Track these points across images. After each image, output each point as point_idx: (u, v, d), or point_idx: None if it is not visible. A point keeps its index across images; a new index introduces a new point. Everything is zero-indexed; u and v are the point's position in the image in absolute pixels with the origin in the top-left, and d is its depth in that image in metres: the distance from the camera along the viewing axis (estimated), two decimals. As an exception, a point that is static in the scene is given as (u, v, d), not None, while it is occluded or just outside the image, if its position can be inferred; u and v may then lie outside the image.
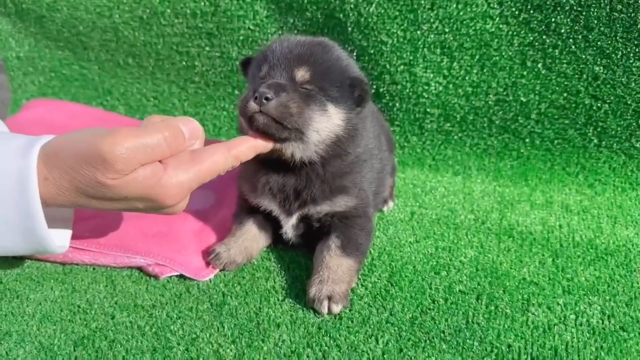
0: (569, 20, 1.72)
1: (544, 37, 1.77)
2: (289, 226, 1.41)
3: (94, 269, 1.41)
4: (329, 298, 1.23)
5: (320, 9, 1.93)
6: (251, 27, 2.05)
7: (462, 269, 1.39)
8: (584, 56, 1.76)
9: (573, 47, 1.76)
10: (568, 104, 1.84)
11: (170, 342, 1.15)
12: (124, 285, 1.35)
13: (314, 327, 1.19)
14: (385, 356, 1.10)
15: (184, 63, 2.19)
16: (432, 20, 1.83)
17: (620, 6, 1.66)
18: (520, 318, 1.20)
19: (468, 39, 1.84)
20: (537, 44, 1.80)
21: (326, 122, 1.26)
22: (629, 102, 1.78)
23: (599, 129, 1.84)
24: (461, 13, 1.81)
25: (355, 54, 1.95)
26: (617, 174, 1.85)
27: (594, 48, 1.74)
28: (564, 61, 1.79)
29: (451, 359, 1.09)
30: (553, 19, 1.74)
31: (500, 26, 1.80)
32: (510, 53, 1.83)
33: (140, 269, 1.41)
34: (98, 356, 1.12)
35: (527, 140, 1.92)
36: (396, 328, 1.18)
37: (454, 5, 1.80)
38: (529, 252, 1.47)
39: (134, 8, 2.11)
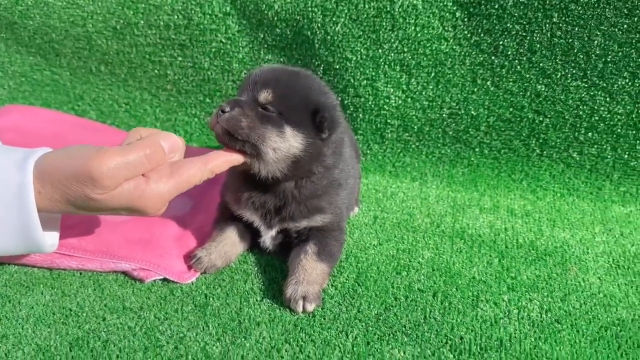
0: (514, 43, 1.90)
1: (492, 57, 1.95)
2: (268, 237, 1.53)
3: (81, 273, 1.49)
4: (304, 298, 1.35)
5: (289, 26, 2.06)
6: (223, 40, 2.15)
7: (420, 269, 1.54)
8: (527, 75, 1.95)
9: (518, 67, 1.95)
10: (513, 118, 2.02)
11: (160, 341, 1.26)
12: (112, 289, 1.44)
13: (291, 325, 1.32)
14: (354, 349, 1.25)
15: (156, 71, 2.27)
16: (392, 40, 1.99)
17: (559, 32, 1.86)
18: (470, 313, 1.37)
19: (425, 58, 2.00)
20: (486, 63, 1.98)
21: (282, 143, 1.36)
22: (566, 117, 1.98)
23: (540, 140, 2.03)
24: (419, 34, 1.97)
25: (321, 68, 2.08)
26: (557, 181, 2.05)
27: (537, 68, 1.93)
28: (510, 80, 1.97)
29: (412, 350, 1.25)
30: (501, 42, 1.92)
31: (454, 47, 1.97)
32: (462, 71, 2.00)
33: (125, 273, 1.50)
34: (93, 355, 1.22)
35: (476, 149, 2.10)
36: (363, 324, 1.32)
37: (413, 27, 1.96)
38: (478, 253, 1.63)
39: (107, 18, 2.18)
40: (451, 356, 1.24)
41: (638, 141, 1.94)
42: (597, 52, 1.86)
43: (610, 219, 1.88)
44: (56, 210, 1.21)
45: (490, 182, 2.08)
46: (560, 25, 1.85)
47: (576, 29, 1.84)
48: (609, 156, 1.99)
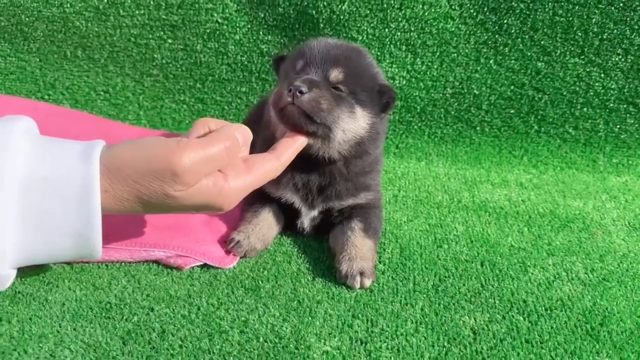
0: (518, 22, 1.97)
1: (496, 36, 2.00)
2: (308, 218, 1.48)
3: (107, 265, 1.36)
4: (361, 273, 1.31)
5: (292, 5, 2.00)
6: (219, 20, 2.05)
7: (458, 241, 1.55)
8: (529, 53, 2.02)
9: (520, 45, 2.01)
10: (514, 96, 2.09)
11: (222, 327, 1.17)
12: (148, 279, 1.32)
13: (353, 301, 1.28)
14: (426, 319, 1.22)
15: (141, 55, 2.14)
16: (399, 19, 1.99)
17: (561, 11, 1.94)
18: (523, 278, 1.39)
19: (431, 37, 2.02)
20: (490, 42, 2.02)
21: (353, 124, 1.34)
22: (564, 93, 2.07)
23: (539, 117, 2.11)
24: (426, 13, 1.98)
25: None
26: (555, 156, 2.14)
27: (538, 46, 2.01)
28: (512, 58, 2.03)
29: (482, 316, 1.24)
30: (505, 20, 1.98)
31: (460, 26, 2.00)
32: (466, 50, 2.04)
33: (157, 261, 1.39)
34: (153, 347, 1.11)
35: (478, 128, 2.15)
36: (424, 295, 1.31)
37: (420, 6, 1.97)
38: (506, 224, 1.67)
39: (89, -3, 2.03)
40: (521, 318, 1.25)
41: (628, 115, 2.07)
42: (595, 29, 1.96)
43: (611, 188, 1.99)
44: (120, 210, 1.07)
45: (493, 159, 2.13)
46: (562, 3, 1.93)
47: (576, 7, 1.92)
48: (601, 130, 2.10)
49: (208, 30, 2.08)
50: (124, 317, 1.19)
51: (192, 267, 1.37)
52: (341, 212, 1.48)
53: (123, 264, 1.37)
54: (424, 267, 1.42)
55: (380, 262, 1.44)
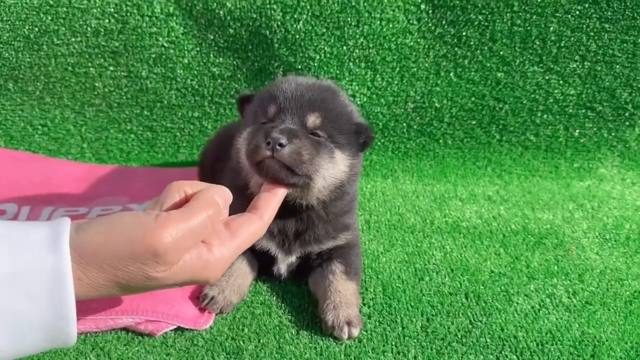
0: (477, 33, 1.94)
1: (455, 49, 1.97)
2: (285, 264, 1.41)
3: (70, 339, 1.24)
4: (348, 323, 1.25)
5: (244, 26, 1.88)
6: (165, 44, 1.91)
7: (439, 271, 1.51)
8: (488, 64, 2.00)
9: (480, 57, 1.99)
10: (475, 107, 2.07)
11: (208, 403, 1.09)
12: (119, 351, 1.21)
13: (342, 355, 1.22)
14: (421, 369, 1.18)
15: (81, 85, 1.97)
16: (357, 36, 1.92)
17: (519, 21, 1.92)
18: (509, 309, 1.37)
19: (390, 53, 1.97)
20: (449, 55, 1.99)
21: (333, 169, 1.28)
22: (524, 102, 2.07)
23: (500, 127, 2.11)
24: (384, 29, 1.92)
25: (281, 70, 1.94)
26: (518, 164, 2.14)
27: (497, 57, 1.99)
28: (472, 69, 2.01)
29: (475, 358, 1.21)
30: (464, 33, 1.94)
31: (418, 40, 1.95)
32: (426, 64, 2.00)
33: (126, 329, 1.28)
34: None
35: (440, 141, 2.12)
36: (414, 340, 1.26)
37: (378, 22, 1.91)
38: (482, 245, 1.65)
39: (17, 27, 1.83)
40: (515, 357, 1.22)
41: (587, 119, 2.09)
42: (553, 38, 1.96)
43: (576, 195, 2.01)
44: (96, 295, 0.97)
45: (458, 172, 2.12)
46: (520, 13, 1.91)
47: (534, 17, 1.91)
48: (562, 136, 2.12)
49: (153, 55, 1.94)
50: (97, 404, 1.08)
51: (166, 332, 1.26)
52: (320, 255, 1.41)
53: (88, 335, 1.25)
54: (409, 306, 1.37)
55: (364, 304, 1.38)
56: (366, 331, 1.28)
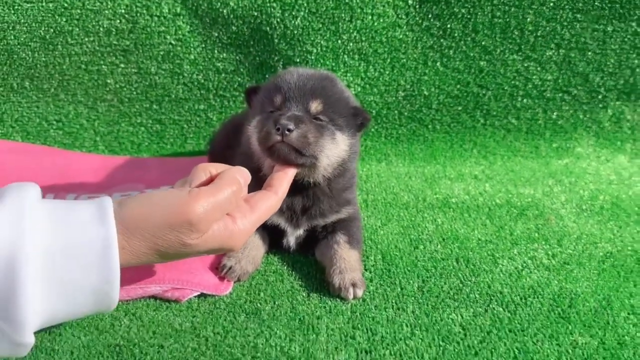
0: (461, 25, 2.09)
1: (441, 40, 2.12)
2: (294, 237, 1.56)
3: (105, 307, 1.38)
4: (353, 285, 1.39)
5: (246, 23, 2.03)
6: (172, 42, 2.05)
7: (432, 240, 1.65)
8: (472, 54, 2.16)
9: (464, 47, 2.14)
10: (460, 94, 2.22)
11: (234, 354, 1.22)
12: (150, 316, 1.34)
13: (350, 312, 1.35)
14: (418, 322, 1.31)
15: (93, 82, 2.09)
16: (351, 30, 2.07)
17: (499, 12, 2.08)
18: (495, 270, 1.51)
19: (381, 46, 2.11)
20: (436, 46, 2.14)
21: (335, 149, 1.43)
22: (505, 88, 2.22)
23: (484, 111, 2.26)
24: (375, 24, 2.07)
25: (281, 63, 2.09)
26: (501, 145, 2.30)
27: (480, 47, 2.15)
28: (457, 59, 2.16)
29: (466, 312, 1.35)
30: (449, 25, 2.10)
31: (407, 33, 2.10)
32: (415, 55, 2.15)
33: (154, 297, 1.42)
34: (173, 384, 1.16)
35: (429, 126, 2.27)
36: (412, 298, 1.40)
37: (369, 17, 2.06)
38: (470, 218, 1.79)
39: (34, 28, 1.95)
40: (501, 310, 1.36)
41: (564, 102, 2.26)
42: (530, 28, 2.12)
43: (555, 172, 2.17)
44: (137, 262, 1.11)
45: (446, 154, 2.27)
46: (499, 6, 2.07)
47: (512, 8, 2.07)
48: (541, 118, 2.28)
49: (162, 53, 2.07)
50: (137, 358, 1.22)
51: (190, 298, 1.39)
52: (325, 228, 1.55)
53: (121, 303, 1.37)
54: (406, 271, 1.52)
55: (366, 269, 1.52)
56: (369, 292, 1.42)
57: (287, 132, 1.32)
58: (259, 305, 1.38)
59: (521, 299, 1.41)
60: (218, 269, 1.47)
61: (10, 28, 1.94)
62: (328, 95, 1.43)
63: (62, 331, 1.28)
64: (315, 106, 1.41)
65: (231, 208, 1.18)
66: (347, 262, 1.46)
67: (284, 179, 1.33)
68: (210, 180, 1.21)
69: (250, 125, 1.47)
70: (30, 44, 1.99)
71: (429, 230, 1.73)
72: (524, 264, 1.56)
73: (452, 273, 1.51)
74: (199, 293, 1.40)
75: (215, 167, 1.24)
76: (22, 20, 1.94)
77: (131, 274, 1.41)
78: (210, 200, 1.10)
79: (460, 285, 1.46)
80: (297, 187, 1.47)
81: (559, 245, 1.66)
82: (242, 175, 1.22)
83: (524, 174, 2.14)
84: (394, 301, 1.39)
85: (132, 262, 1.11)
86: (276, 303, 1.39)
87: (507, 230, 1.73)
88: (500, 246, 1.64)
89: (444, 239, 1.67)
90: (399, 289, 1.44)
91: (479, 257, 1.58)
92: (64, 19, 1.97)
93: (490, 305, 1.38)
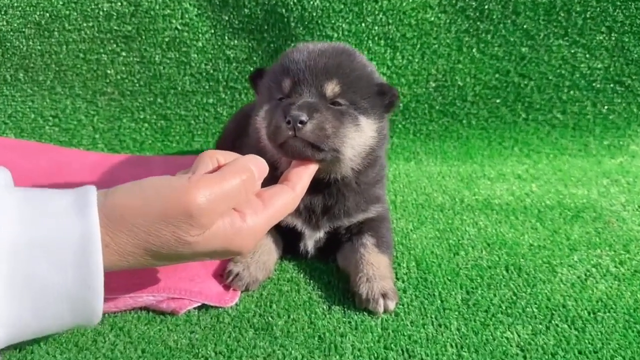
0: (500, 6, 1.90)
1: (478, 23, 1.92)
2: (312, 240, 1.34)
3: (88, 319, 1.16)
4: (384, 295, 1.18)
5: (259, 5, 1.85)
6: (178, 27, 1.88)
7: (474, 246, 1.44)
8: (512, 39, 1.96)
9: (503, 31, 1.95)
10: (499, 84, 2.02)
11: (238, 379, 1.01)
12: (140, 330, 1.13)
13: (380, 329, 1.14)
14: (467, 340, 1.09)
15: (92, 72, 1.94)
16: (376, 12, 1.88)
17: (542, -9, 1.89)
18: (554, 279, 1.29)
19: (410, 29, 1.93)
20: (472, 30, 1.95)
21: (360, 137, 1.21)
22: (550, 78, 2.02)
23: (526, 105, 2.06)
24: (404, 4, 1.88)
25: (298, 49, 1.90)
26: (545, 143, 2.09)
27: (521, 30, 1.95)
28: (496, 44, 1.97)
29: (524, 329, 1.12)
30: (486, 6, 1.91)
31: (439, 15, 1.91)
32: (448, 40, 1.96)
33: (146, 308, 1.20)
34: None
35: (464, 121, 2.08)
36: (456, 312, 1.18)
37: (397, -4, 1.87)
38: (517, 221, 1.58)
39: (28, 13, 1.80)
40: (566, 326, 1.14)
41: (616, 94, 2.03)
42: (577, 9, 1.91)
43: (609, 171, 1.93)
44: (123, 265, 0.92)
45: (484, 153, 2.06)
46: (544, -17, 1.87)
47: (558, -15, 1.87)
48: (589, 112, 2.06)
49: (167, 39, 1.91)
50: (120, 382, 1.00)
51: (189, 310, 1.19)
52: (349, 230, 1.34)
53: (107, 315, 1.18)
54: (446, 280, 1.29)
55: (398, 278, 1.31)
56: (402, 305, 1.21)
57: (299, 126, 1.10)
58: (270, 319, 1.17)
59: (589, 313, 1.18)
60: (223, 276, 1.27)
61: (2, 12, 1.79)
62: (346, 73, 1.20)
63: (34, 348, 1.09)
64: (331, 88, 1.18)
65: (240, 202, 0.98)
66: (376, 268, 1.25)
67: (303, 173, 1.12)
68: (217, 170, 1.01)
69: (258, 116, 1.26)
70: (24, 30, 1.84)
71: (470, 234, 1.50)
72: (588, 273, 1.32)
73: (503, 283, 1.28)
74: (199, 304, 1.21)
75: (224, 156, 1.05)
76: (16, 4, 1.79)
77: (119, 280, 1.21)
78: (214, 190, 0.91)
79: (514, 297, 1.24)
80: (318, 185, 1.25)
81: (626, 251, 1.42)
82: (256, 164, 1.02)
83: (574, 174, 1.91)
84: (433, 316, 1.18)
85: (118, 264, 0.92)
86: (291, 317, 1.18)
87: (563, 235, 1.50)
88: (556, 252, 1.41)
89: (488, 244, 1.45)
90: (439, 302, 1.22)
91: (532, 264, 1.36)
92: (61, 2, 1.81)
93: (553, 321, 1.16)
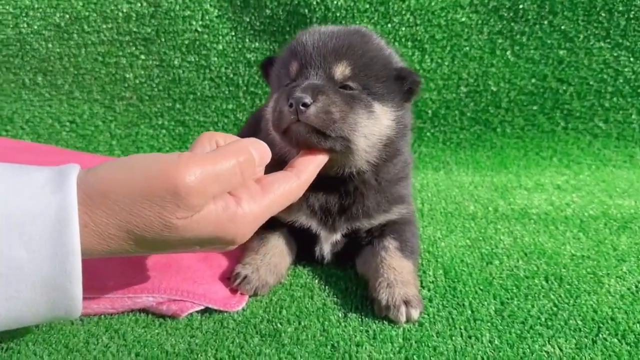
0: (535, 5, 1.82)
1: (512, 24, 1.84)
2: (329, 244, 1.23)
3: (81, 320, 1.07)
4: (406, 302, 1.05)
5: (281, 5, 1.80)
6: (199, 29, 1.85)
7: (510, 255, 1.31)
8: (549, 41, 1.87)
9: (539, 32, 1.87)
10: (536, 90, 1.93)
11: (239, 388, 0.89)
12: (136, 333, 1.03)
13: (401, 339, 1.01)
14: (500, 354, 0.96)
15: (111, 76, 1.91)
16: (403, 12, 1.82)
17: (581, -10, 1.79)
18: (600, 291, 1.15)
19: (439, 30, 1.85)
20: (505, 31, 1.87)
21: (374, 125, 1.10)
22: (590, 83, 1.92)
23: (565, 112, 1.95)
24: (432, 3, 1.81)
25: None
26: (586, 154, 1.96)
27: (559, 32, 1.86)
28: (532, 47, 1.88)
29: (567, 343, 0.98)
30: (521, 5, 1.82)
31: (470, 15, 1.83)
32: (480, 42, 1.88)
33: (145, 310, 1.10)
34: None
35: (498, 129, 1.98)
36: (488, 324, 1.05)
37: (426, -5, 1.80)
38: (557, 231, 1.45)
39: (48, 14, 1.79)
40: (616, 341, 1.00)
41: (663, 101, 1.89)
42: (620, 8, 1.82)
43: (659, 183, 1.77)
44: (104, 251, 0.82)
45: (520, 163, 1.95)
46: (582, -19, 1.78)
47: (598, -15, 1.78)
48: (635, 121, 1.94)
49: (186, 42, 1.87)
50: (108, 387, 0.90)
51: (191, 314, 1.10)
52: (370, 232, 1.22)
53: (102, 316, 1.10)
54: (478, 290, 1.16)
55: (423, 286, 1.18)
56: (427, 314, 1.08)
57: (302, 108, 1.00)
58: (279, 325, 1.07)
59: (644, 327, 1.02)
60: (230, 279, 1.17)
61: (24, 14, 1.78)
62: (358, 54, 1.10)
63: (21, 348, 1.00)
64: (341, 70, 1.09)
65: (235, 183, 0.89)
66: (398, 273, 1.13)
67: (310, 161, 1.02)
68: None
69: (268, 105, 1.17)
70: (44, 32, 1.82)
71: (505, 243, 1.38)
72: (638, 285, 1.15)
73: (542, 294, 1.15)
74: (203, 308, 1.11)
75: (224, 137, 0.98)
76: (37, 6, 1.78)
77: (117, 278, 1.12)
78: (206, 169, 0.83)
79: (554, 308, 1.11)
80: (333, 182, 1.15)
81: (682, 263, 1.25)
82: (257, 148, 0.92)
83: (620, 185, 1.77)
84: (462, 327, 1.05)
85: (98, 248, 0.82)
86: (302, 324, 1.07)
87: (609, 245, 1.36)
88: (602, 263, 1.28)
89: (525, 254, 1.32)
90: (469, 312, 1.10)
91: (575, 275, 1.22)
92: (81, 3, 1.79)
93: (600, 335, 1.02)
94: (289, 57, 1.14)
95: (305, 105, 1.00)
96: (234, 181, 0.88)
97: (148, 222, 0.81)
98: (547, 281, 1.19)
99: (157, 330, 1.05)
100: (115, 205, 0.80)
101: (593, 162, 1.93)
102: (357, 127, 1.07)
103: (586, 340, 0.99)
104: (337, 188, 1.18)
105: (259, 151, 0.93)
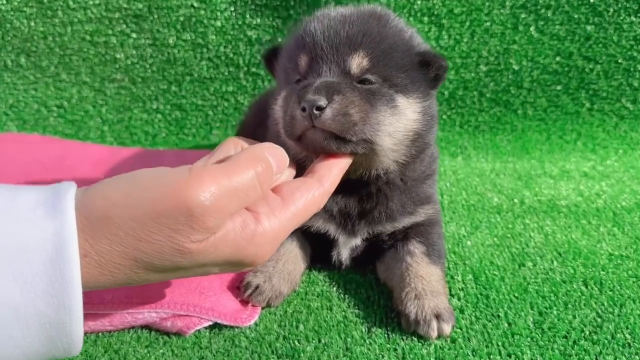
0: None
1: (536, -4, 1.73)
2: (347, 248, 1.14)
3: (78, 339, 0.97)
4: (437, 316, 0.97)
5: (288, -20, 1.67)
6: (195, 4, 1.75)
7: (543, 255, 1.23)
8: (576, 15, 1.78)
9: (566, 6, 1.78)
10: (560, 68, 1.84)
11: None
12: (139, 355, 0.96)
13: (433, 359, 0.92)
14: (544, 376, 0.87)
15: (100, 57, 1.81)
16: (419, -16, 1.69)
17: (611, -41, 1.71)
18: (647, 298, 1.05)
19: (458, 4, 1.77)
20: (529, 5, 1.78)
21: (399, 121, 1.00)
22: (619, 61, 1.83)
23: (590, 92, 1.87)
24: (451, -25, 1.68)
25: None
26: (613, 137, 1.89)
27: (586, 6, 1.77)
28: (557, 22, 1.79)
29: (617, 361, 0.89)
30: None
31: (492, -13, 1.71)
32: (501, 17, 1.79)
33: (148, 327, 1.03)
34: None
35: (519, 111, 1.90)
36: (528, 339, 0.98)
37: (443, -34, 1.69)
38: (590, 226, 1.37)
39: (28, -11, 1.64)
40: None
41: (697, 81, 1.80)
42: None
43: (692, 168, 1.68)
44: (108, 282, 0.75)
45: (542, 148, 1.87)
46: (612, -51, 1.69)
47: (628, -47, 1.69)
48: (665, 102, 1.83)
49: (182, 18, 1.76)
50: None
51: (198, 331, 1.03)
52: (393, 236, 1.13)
53: (100, 334, 1.02)
54: (512, 297, 1.08)
55: (452, 295, 1.10)
56: (460, 328, 1.01)
57: (316, 113, 0.90)
58: (296, 343, 0.99)
59: (703, 343, 0.93)
60: (240, 288, 1.10)
61: (1, -11, 1.63)
62: (376, 41, 0.99)
63: None
64: (357, 63, 0.97)
65: (254, 198, 0.81)
66: (427, 282, 1.05)
67: (333, 165, 0.91)
68: None
69: (276, 104, 1.06)
70: (25, 9, 1.72)
71: (536, 241, 1.30)
72: (691, 292, 1.07)
73: (582, 301, 1.08)
74: (211, 323, 1.04)
75: (249, 144, 0.91)
76: (16, -19, 1.63)
77: (116, 293, 1.05)
78: (222, 184, 0.75)
79: (598, 319, 1.03)
80: (354, 183, 1.05)
81: None
82: (274, 154, 0.83)
83: (652, 171, 1.66)
84: (499, 343, 0.98)
85: (101, 280, 0.75)
86: (322, 341, 1.00)
87: (648, 242, 1.25)
88: None
89: (560, 254, 1.24)
90: (506, 325, 1.02)
91: (616, 278, 1.15)
92: (65, -22, 1.65)
93: None
94: (296, 49, 1.02)
95: (320, 108, 0.90)
96: (252, 195, 0.80)
97: (158, 248, 0.74)
98: (586, 286, 1.11)
99: (161, 350, 0.99)
100: (119, 231, 0.72)
101: (620, 146, 1.85)
102: (381, 127, 0.96)
103: (638, 357, 0.91)
104: (357, 190, 1.08)
105: (277, 158, 0.85)
